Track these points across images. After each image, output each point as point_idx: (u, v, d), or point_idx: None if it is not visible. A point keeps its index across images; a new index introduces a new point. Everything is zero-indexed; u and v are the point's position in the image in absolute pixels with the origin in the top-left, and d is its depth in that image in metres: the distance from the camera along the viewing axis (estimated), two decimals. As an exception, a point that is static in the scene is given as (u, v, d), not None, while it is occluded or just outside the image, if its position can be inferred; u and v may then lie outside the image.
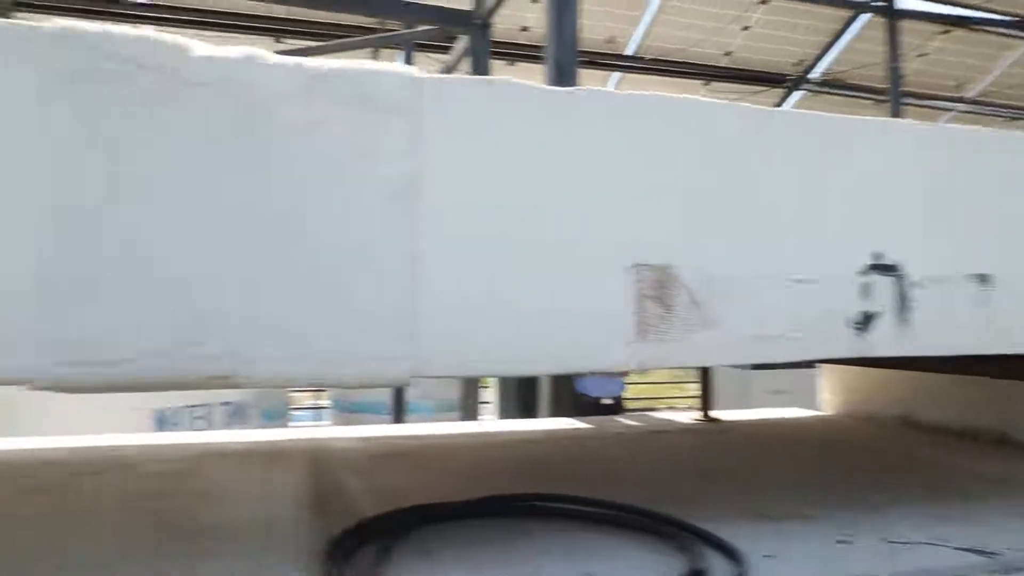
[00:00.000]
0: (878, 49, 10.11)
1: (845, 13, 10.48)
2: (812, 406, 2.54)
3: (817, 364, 2.39)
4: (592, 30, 9.58)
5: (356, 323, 0.76)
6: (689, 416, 2.32)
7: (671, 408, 13.58)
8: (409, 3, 6.25)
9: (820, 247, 1.01)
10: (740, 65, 11.39)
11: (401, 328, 0.77)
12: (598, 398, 7.11)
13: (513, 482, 1.40)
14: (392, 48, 8.06)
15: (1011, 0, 10.05)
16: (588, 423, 2.25)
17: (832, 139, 1.04)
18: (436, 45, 7.71)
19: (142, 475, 1.47)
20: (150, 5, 8.94)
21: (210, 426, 4.56)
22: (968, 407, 1.90)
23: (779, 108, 1.00)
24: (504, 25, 6.61)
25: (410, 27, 6.27)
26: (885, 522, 1.15)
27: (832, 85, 11.65)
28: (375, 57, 8.16)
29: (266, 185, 0.73)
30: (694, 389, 14.37)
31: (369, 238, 0.76)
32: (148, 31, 0.70)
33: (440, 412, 7.21)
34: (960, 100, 12.37)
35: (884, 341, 1.02)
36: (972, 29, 10.65)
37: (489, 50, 5.26)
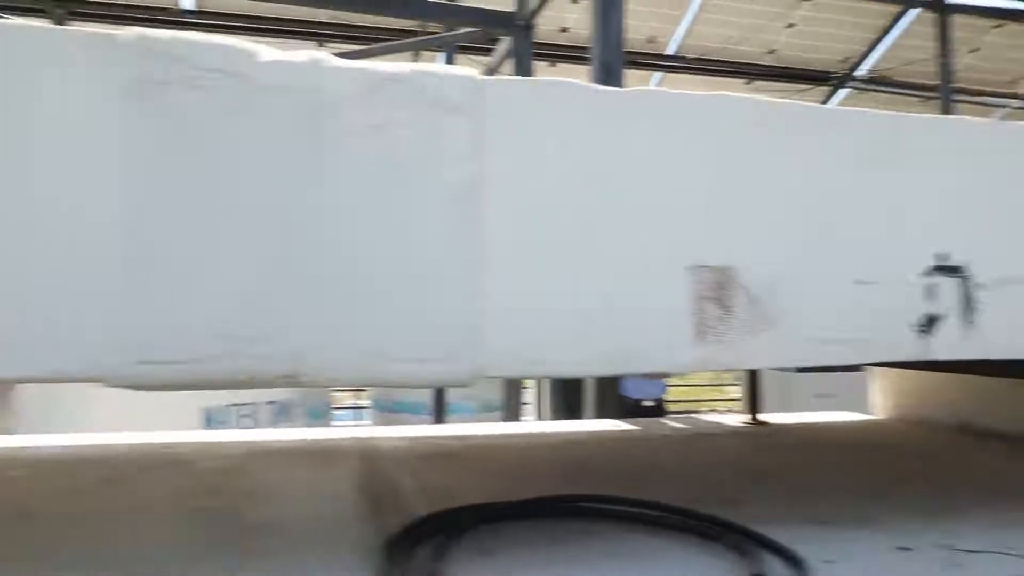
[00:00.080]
0: (927, 45, 9.86)
1: (894, 8, 10.24)
2: (858, 410, 2.49)
3: (866, 367, 2.35)
4: (634, 30, 9.52)
5: (419, 324, 0.76)
6: (736, 419, 2.30)
7: (712, 410, 13.44)
8: (452, 6, 6.29)
9: (883, 248, 0.99)
10: (783, 63, 11.21)
11: (463, 329, 0.78)
12: (639, 400, 7.06)
13: (562, 483, 1.39)
14: (434, 51, 8.12)
15: (1068, -8, 9.73)
16: (633, 425, 2.24)
17: (895, 137, 1.02)
18: (478, 47, 7.74)
19: (197, 472, 1.51)
20: (197, 12, 9.13)
21: (256, 424, 4.64)
22: (1028, 413, 1.84)
23: (843, 107, 0.98)
24: (545, 26, 6.61)
25: (451, 29, 6.31)
26: (946, 529, 1.12)
27: (879, 82, 11.40)
28: (416, 59, 8.22)
29: (331, 188, 0.74)
30: (735, 392, 14.22)
31: (432, 240, 0.77)
32: (218, 38, 0.71)
33: (481, 413, 7.22)
34: (1014, 96, 12.00)
35: (948, 344, 1.00)
36: (1027, 23, 10.33)
37: (532, 51, 5.27)
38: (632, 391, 6.86)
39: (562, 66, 10.19)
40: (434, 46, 7.11)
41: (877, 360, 1.00)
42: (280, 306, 0.73)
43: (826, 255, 0.96)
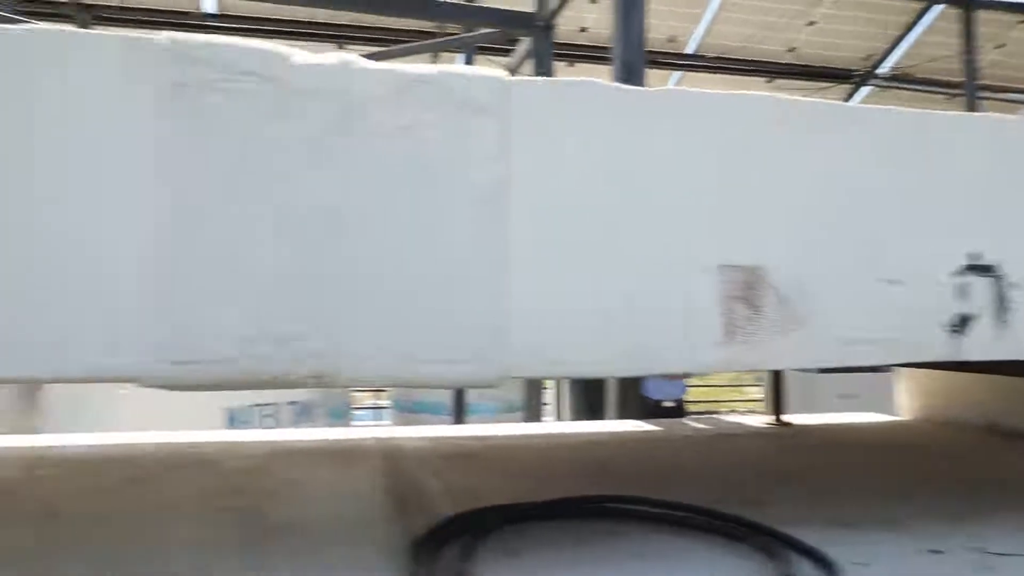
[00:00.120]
0: (951, 41, 9.74)
1: (917, 5, 10.13)
2: (883, 410, 2.47)
3: (893, 368, 2.32)
4: (654, 30, 9.49)
5: (447, 325, 0.77)
6: (759, 420, 2.28)
7: (732, 411, 13.35)
8: (472, 7, 6.30)
9: (913, 247, 0.97)
10: (804, 61, 11.12)
11: (490, 330, 0.78)
12: (659, 401, 7.03)
13: (585, 484, 1.39)
14: (453, 52, 8.14)
15: (1097, -14, 9.56)
16: (655, 425, 2.23)
17: (923, 135, 1.01)
18: (497, 48, 7.75)
19: (222, 471, 1.52)
20: (219, 15, 9.22)
21: (278, 424, 4.68)
22: (1060, 414, 1.81)
23: (870, 105, 0.97)
24: (564, 26, 6.61)
25: (470, 30, 6.32)
26: (976, 532, 1.11)
27: (902, 80, 11.27)
28: (435, 60, 8.25)
29: (360, 189, 0.75)
30: (755, 392, 14.12)
31: (459, 241, 0.77)
32: (251, 41, 0.72)
33: (500, 413, 7.23)
34: (1041, 92, 11.81)
35: (981, 344, 0.98)
36: (1054, 18, 10.17)
37: (552, 52, 5.26)
38: (652, 392, 6.83)
39: (581, 66, 10.18)
40: (453, 47, 7.12)
41: (907, 360, 0.99)
42: (311, 307, 0.73)
43: (855, 254, 0.95)
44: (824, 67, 11.19)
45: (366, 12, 6.35)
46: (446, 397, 7.31)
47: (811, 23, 10.40)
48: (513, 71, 6.52)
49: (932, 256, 0.98)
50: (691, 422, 2.30)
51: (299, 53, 0.74)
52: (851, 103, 8.37)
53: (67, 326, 0.70)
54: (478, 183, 0.78)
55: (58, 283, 0.70)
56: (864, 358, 0.97)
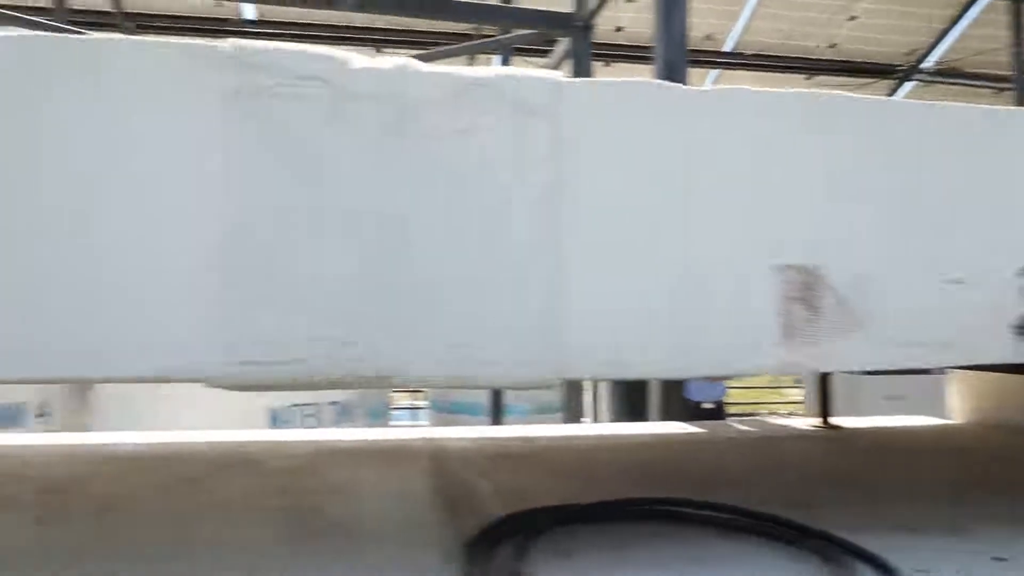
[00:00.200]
0: (999, 34, 9.48)
1: (963, -3, 9.89)
2: (930, 413, 2.41)
3: (946, 369, 2.27)
4: (691, 28, 9.42)
5: (504, 326, 0.77)
6: (805, 422, 2.24)
7: (772, 413, 13.17)
8: (511, 8, 6.31)
9: (977, 246, 0.95)
10: (845, 57, 10.93)
11: (546, 331, 0.78)
12: (699, 402, 6.96)
13: (633, 486, 1.38)
14: (489, 53, 8.17)
15: None
16: (698, 427, 2.21)
17: (986, 131, 0.98)
18: (533, 49, 7.76)
19: (271, 471, 1.54)
20: (258, 21, 9.38)
21: (319, 424, 4.74)
22: (1124, 418, 1.75)
23: (937, 102, 0.95)
24: (600, 26, 6.59)
25: (507, 32, 6.33)
26: (1042, 539, 1.08)
27: (947, 74, 11.01)
28: (472, 63, 8.28)
29: (418, 192, 0.75)
30: (795, 394, 13.90)
31: (515, 243, 0.77)
32: (312, 47, 0.73)
33: (535, 414, 7.23)
34: (1093, 85, 11.43)
35: (1048, 346, 0.96)
36: (1108, 7, 9.83)
37: (590, 52, 5.25)
38: (693, 393, 6.77)
39: (618, 66, 10.14)
40: (490, 49, 7.14)
41: (970, 362, 0.97)
42: (373, 308, 0.74)
43: (916, 254, 0.93)
44: (866, 62, 10.98)
45: (405, 15, 6.39)
46: (483, 397, 7.33)
47: (852, 18, 10.22)
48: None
49: (996, 255, 0.96)
50: (735, 424, 2.28)
51: (357, 58, 0.75)
52: (894, 98, 8.20)
53: (138, 328, 0.72)
54: (533, 184, 0.78)
55: (130, 286, 0.72)
56: (924, 359, 0.95)
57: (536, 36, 5.71)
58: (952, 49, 10.80)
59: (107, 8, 8.53)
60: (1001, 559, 1.00)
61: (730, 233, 0.85)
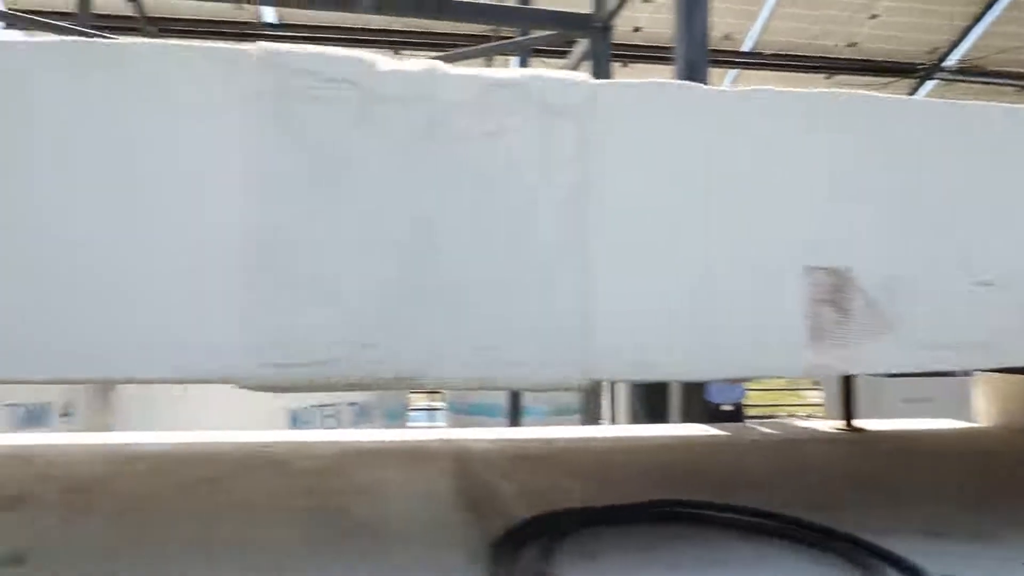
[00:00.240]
0: (1023, 32, 9.36)
1: (985, -6, 9.77)
2: (956, 416, 2.38)
3: (973, 372, 2.24)
4: (711, 27, 9.38)
5: (532, 328, 0.77)
6: (828, 425, 2.23)
7: (791, 415, 13.07)
8: (530, 9, 6.30)
9: (1007, 247, 0.94)
10: (866, 56, 10.83)
11: (574, 333, 0.78)
12: (718, 404, 6.92)
13: (656, 488, 1.38)
14: (508, 55, 8.17)
15: None
16: (719, 429, 2.20)
17: (1015, 130, 0.97)
18: (551, 50, 7.76)
19: (294, 471, 1.55)
20: (279, 24, 9.45)
21: (339, 424, 4.76)
22: None
23: (966, 101, 0.94)
24: (618, 26, 6.58)
25: (525, 33, 6.33)
26: (1074, 545, 1.06)
27: (969, 72, 10.88)
28: (489, 64, 8.29)
29: (446, 194, 0.75)
30: (813, 396, 13.79)
31: (544, 245, 0.77)
32: (340, 49, 0.74)
33: (552, 416, 7.22)
34: (1120, 83, 11.26)
35: (1082, 348, 0.94)
36: None
37: (609, 53, 5.24)
38: (713, 395, 6.73)
39: (635, 66, 10.11)
40: (508, 50, 7.15)
41: (1000, 365, 0.95)
42: (399, 310, 0.74)
43: (946, 255, 0.92)
44: (887, 61, 10.87)
45: (423, 17, 6.41)
46: (501, 399, 7.33)
47: (873, 16, 10.13)
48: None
49: (1029, 256, 0.94)
50: (757, 426, 2.26)
51: (384, 60, 0.75)
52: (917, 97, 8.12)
53: (169, 330, 0.73)
54: (560, 186, 0.78)
55: (159, 288, 0.73)
56: (954, 362, 0.94)
57: (554, 37, 5.71)
58: (975, 47, 10.67)
59: (129, 13, 8.63)
60: (1032, 565, 0.98)
61: (758, 234, 0.85)
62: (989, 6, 10.01)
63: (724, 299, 0.83)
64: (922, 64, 10.94)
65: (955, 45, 10.66)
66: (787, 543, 1.02)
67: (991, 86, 10.95)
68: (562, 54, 7.17)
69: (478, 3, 5.35)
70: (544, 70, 0.81)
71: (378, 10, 4.82)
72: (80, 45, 0.76)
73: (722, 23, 9.79)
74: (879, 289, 0.87)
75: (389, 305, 0.74)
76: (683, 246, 0.83)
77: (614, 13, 5.27)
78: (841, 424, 2.15)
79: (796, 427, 2.28)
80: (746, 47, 10.69)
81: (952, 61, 10.86)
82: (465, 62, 6.28)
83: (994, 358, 0.95)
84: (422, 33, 9.44)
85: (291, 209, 0.73)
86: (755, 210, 0.85)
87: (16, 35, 6.64)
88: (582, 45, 5.63)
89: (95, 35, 5.07)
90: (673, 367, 0.83)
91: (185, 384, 0.75)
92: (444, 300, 0.75)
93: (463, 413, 8.05)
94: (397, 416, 6.44)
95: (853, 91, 0.92)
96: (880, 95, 0.93)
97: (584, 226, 0.80)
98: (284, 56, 0.73)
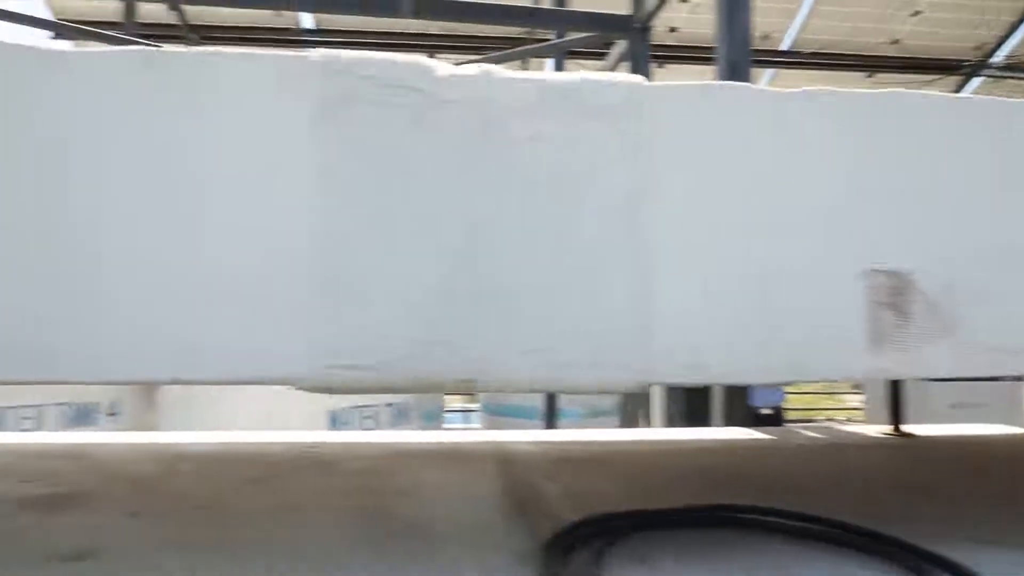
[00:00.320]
0: (1074, 27, 9.09)
1: (1034, -12, 9.51)
2: (1007, 421, 2.33)
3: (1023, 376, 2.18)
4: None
5: (589, 331, 0.77)
6: (876, 430, 2.19)
7: (830, 419, 12.86)
8: (568, 12, 6.30)
9: (1074, 249, 0.91)
10: (909, 53, 10.62)
11: (631, 336, 0.78)
12: (757, 408, 6.82)
13: (703, 492, 1.37)
14: (542, 57, 8.18)
15: None
16: (763, 433, 2.17)
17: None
18: (588, 52, 7.75)
19: (342, 472, 1.57)
20: (317, 30, 9.57)
21: (377, 425, 4.81)
22: None
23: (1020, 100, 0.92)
24: (655, 27, 6.54)
25: (561, 35, 6.33)
26: None
27: (1018, 69, 10.60)
28: (525, 67, 8.30)
29: (503, 198, 0.76)
30: (852, 400, 13.53)
31: (601, 248, 0.78)
32: (398, 55, 0.75)
33: (588, 418, 7.19)
34: None
35: None
36: None
37: (648, 54, 5.21)
38: (753, 398, 6.63)
39: (671, 67, 10.04)
40: (544, 52, 7.15)
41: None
42: (457, 312, 0.75)
43: (1008, 257, 0.90)
44: (930, 59, 10.65)
45: (461, 21, 6.44)
46: (535, 401, 7.32)
47: (916, 13, 9.93)
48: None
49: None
50: (802, 430, 2.23)
51: (442, 65, 0.76)
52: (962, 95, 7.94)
53: (230, 331, 0.74)
54: (615, 188, 0.78)
55: (221, 291, 0.74)
56: (1014, 367, 0.92)
57: (592, 39, 5.70)
58: (1023, 43, 10.40)
59: (173, 21, 8.81)
60: (1096, 575, 0.96)
61: (816, 236, 0.84)
62: (1038, 0, 9.75)
63: (781, 301, 0.82)
64: (967, 61, 10.69)
65: (1002, 41, 10.39)
66: (845, 550, 1.01)
67: (1040, 83, 10.66)
68: (599, 56, 7.16)
69: (516, 6, 5.36)
70: (597, 73, 0.81)
71: (416, 14, 4.86)
72: (147, 54, 0.79)
73: (761, 22, 9.68)
74: (940, 292, 0.85)
75: (447, 308, 0.75)
76: (739, 248, 0.82)
77: (653, 14, 5.24)
78: (888, 429, 2.11)
79: (841, 432, 2.24)
80: (784, 46, 10.55)
81: (999, 57, 10.59)
82: (499, 64, 6.28)
83: (1061, 362, 0.93)
84: (458, 36, 9.49)
85: (352, 213, 0.74)
86: (813, 211, 0.84)
87: (65, 45, 6.83)
88: (620, 46, 5.61)
89: (141, 43, 5.19)
90: (728, 370, 0.82)
91: (250, 385, 0.76)
92: (500, 303, 0.76)
93: (498, 415, 8.06)
94: (433, 417, 6.47)
95: (913, 90, 0.91)
96: (941, 94, 0.92)
97: (638, 228, 0.79)
98: (345, 62, 0.74)
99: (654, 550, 1.00)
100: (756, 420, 6.57)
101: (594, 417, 7.13)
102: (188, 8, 8.82)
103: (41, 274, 0.73)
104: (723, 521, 1.08)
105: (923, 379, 1.02)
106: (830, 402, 14.84)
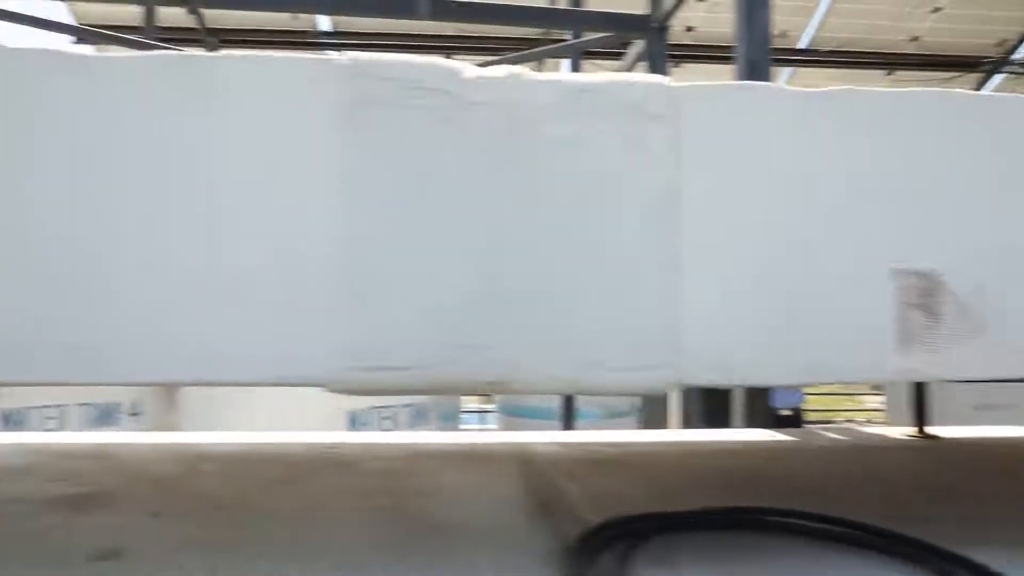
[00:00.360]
0: (1099, 22, 8.96)
1: (1057, -17, 9.38)
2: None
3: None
4: (764, 25, 9.20)
5: (622, 333, 0.77)
6: (899, 431, 2.16)
7: (850, 421, 12.75)
8: (585, 12, 6.28)
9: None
10: (929, 50, 10.51)
11: (664, 338, 0.78)
12: (777, 409, 6.76)
13: (727, 494, 1.36)
14: (558, 57, 8.18)
15: None
16: (785, 435, 2.15)
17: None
18: (603, 52, 7.73)
19: (364, 472, 1.57)
20: (333, 32, 9.62)
21: (395, 426, 4.82)
22: None
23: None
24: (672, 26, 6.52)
25: (577, 36, 6.31)
26: None
27: (1040, 66, 10.46)
28: (540, 68, 8.29)
29: (533, 200, 0.76)
30: (871, 402, 13.40)
31: (632, 250, 0.77)
32: (425, 58, 0.75)
33: (605, 419, 7.18)
34: None
35: None
36: None
37: (665, 53, 5.19)
38: (773, 400, 6.58)
39: (687, 66, 9.99)
40: (560, 53, 7.14)
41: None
42: (487, 314, 0.75)
43: (1040, 257, 0.89)
44: (951, 56, 10.53)
45: (478, 23, 6.45)
46: (552, 402, 7.31)
47: (936, 9, 9.82)
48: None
49: None
50: (824, 432, 2.21)
51: (469, 67, 0.76)
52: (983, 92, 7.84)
53: (259, 334, 0.75)
54: (649, 191, 0.78)
55: (251, 292, 0.75)
56: (1049, 368, 0.90)
57: (608, 39, 5.68)
58: (1047, 39, 10.26)
59: (191, 24, 8.89)
60: None
61: (846, 236, 0.83)
62: (1062, -5, 9.60)
63: (811, 302, 0.82)
64: (988, 58, 10.56)
65: (1024, 37, 10.26)
66: (862, 551, 1.00)
67: (1064, 79, 10.51)
68: (615, 56, 7.14)
69: (533, 7, 5.36)
70: (627, 74, 0.80)
71: (433, 16, 4.87)
72: (167, 58, 0.79)
73: (778, 20, 9.61)
74: (970, 292, 0.84)
75: (475, 310, 0.75)
76: (767, 248, 0.82)
77: (671, 13, 5.22)
78: (912, 431, 2.09)
79: (865, 433, 2.22)
80: (802, 44, 10.47)
81: (1021, 54, 10.46)
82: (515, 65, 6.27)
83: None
84: (473, 38, 9.50)
85: (381, 215, 0.74)
86: (841, 211, 0.83)
87: (87, 49, 6.90)
88: (637, 46, 5.59)
89: (161, 47, 5.24)
90: (755, 371, 0.82)
91: (280, 387, 0.76)
92: (528, 305, 0.76)
93: (515, 416, 8.05)
94: (451, 418, 6.48)
95: (953, 90, 0.90)
96: (969, 91, 0.91)
97: (667, 229, 0.79)
98: (372, 65, 0.75)
99: (678, 552, 1.00)
100: (775, 421, 6.52)
101: (611, 418, 7.11)
102: (206, 12, 8.88)
103: (70, 278, 0.74)
104: (747, 524, 1.08)
105: (950, 380, 1.00)
106: (849, 403, 14.70)
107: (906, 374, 0.82)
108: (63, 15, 8.30)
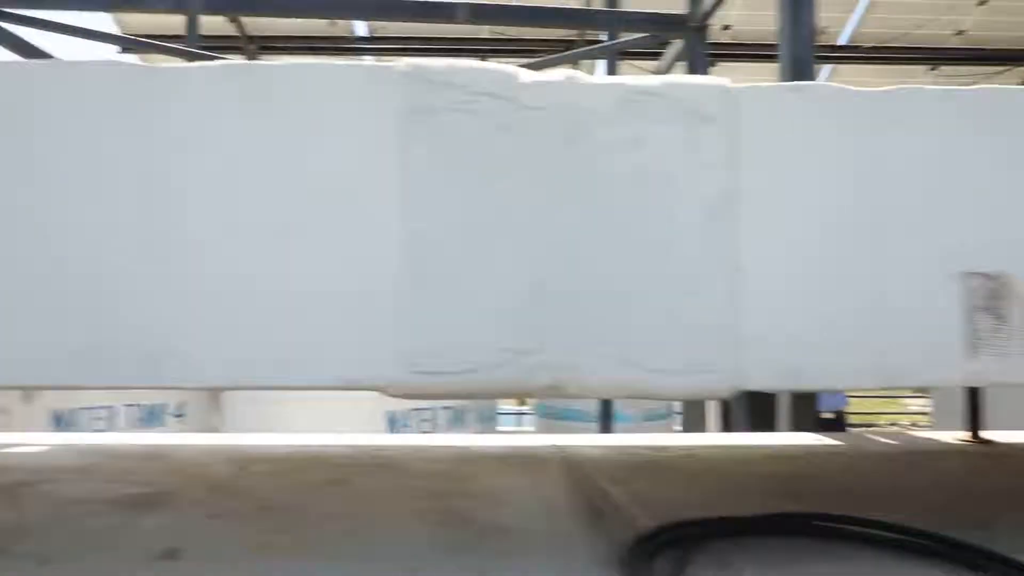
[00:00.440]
0: None
1: (1112, -28, 9.07)
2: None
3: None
4: (804, 22, 9.06)
5: (680, 336, 0.77)
6: (952, 436, 2.11)
7: (893, 424, 12.49)
8: (623, 12, 6.24)
9: None
10: (974, 44, 10.24)
11: (721, 342, 0.77)
12: (819, 412, 6.66)
13: (782, 499, 1.34)
14: (595, 58, 8.15)
15: None
16: (835, 439, 2.12)
17: None
18: (640, 52, 7.67)
19: (411, 474, 1.58)
20: (370, 37, 9.71)
21: (434, 428, 4.84)
22: None
23: None
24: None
25: (613, 36, 6.28)
26: None
27: (1092, 59, 10.13)
28: (576, 68, 8.25)
29: (588, 202, 0.76)
30: (914, 405, 13.07)
31: (689, 254, 0.77)
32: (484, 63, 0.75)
33: (642, 422, 7.13)
34: None
35: None
36: None
37: (705, 53, 5.13)
38: (819, 403, 6.47)
39: (723, 64, 9.88)
40: (596, 54, 7.11)
41: None
42: (548, 318, 0.75)
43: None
44: (999, 49, 10.25)
45: (517, 25, 6.45)
46: (589, 405, 7.28)
47: (982, 2, 9.56)
48: (664, 75, 6.38)
49: None
50: (874, 436, 2.17)
51: (525, 72, 0.76)
52: (1033, 88, 7.61)
53: (321, 338, 0.76)
54: (707, 193, 0.77)
55: (313, 299, 0.76)
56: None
57: (645, 40, 5.64)
58: (1100, 30, 9.93)
59: (232, 32, 9.04)
60: None
61: (911, 239, 0.82)
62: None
63: (875, 305, 0.80)
64: (1038, 51, 10.26)
65: (1077, 28, 9.94)
66: (936, 562, 0.97)
67: (1118, 72, 10.17)
68: (652, 56, 7.09)
69: (571, 8, 5.34)
70: (684, 76, 0.80)
71: (471, 19, 4.89)
72: (229, 67, 0.81)
73: (817, 17, 9.46)
74: (1041, 295, 0.82)
75: (534, 314, 0.75)
76: (832, 251, 0.80)
77: (711, 12, 5.16)
78: (966, 436, 2.04)
79: (917, 438, 2.17)
80: (842, 40, 10.29)
81: (1073, 46, 10.14)
82: (552, 66, 6.26)
83: None
84: (509, 40, 9.51)
85: (441, 220, 0.75)
86: (905, 212, 0.82)
87: (131, 58, 7.07)
88: (675, 46, 5.54)
89: (204, 56, 5.34)
90: (820, 375, 0.81)
91: (339, 390, 0.77)
92: (588, 308, 0.76)
93: (552, 418, 8.04)
94: (488, 420, 6.49)
95: (1008, 87, 0.87)
96: (1034, 89, 0.88)
97: (733, 233, 0.79)
98: (431, 71, 0.75)
99: (734, 557, 0.99)
100: (819, 425, 6.41)
101: (649, 421, 7.07)
102: (246, 20, 9.04)
103: (153, 293, 0.76)
104: (807, 530, 1.06)
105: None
106: (892, 406, 14.38)
107: (975, 378, 0.81)
108: (109, 26, 8.50)
